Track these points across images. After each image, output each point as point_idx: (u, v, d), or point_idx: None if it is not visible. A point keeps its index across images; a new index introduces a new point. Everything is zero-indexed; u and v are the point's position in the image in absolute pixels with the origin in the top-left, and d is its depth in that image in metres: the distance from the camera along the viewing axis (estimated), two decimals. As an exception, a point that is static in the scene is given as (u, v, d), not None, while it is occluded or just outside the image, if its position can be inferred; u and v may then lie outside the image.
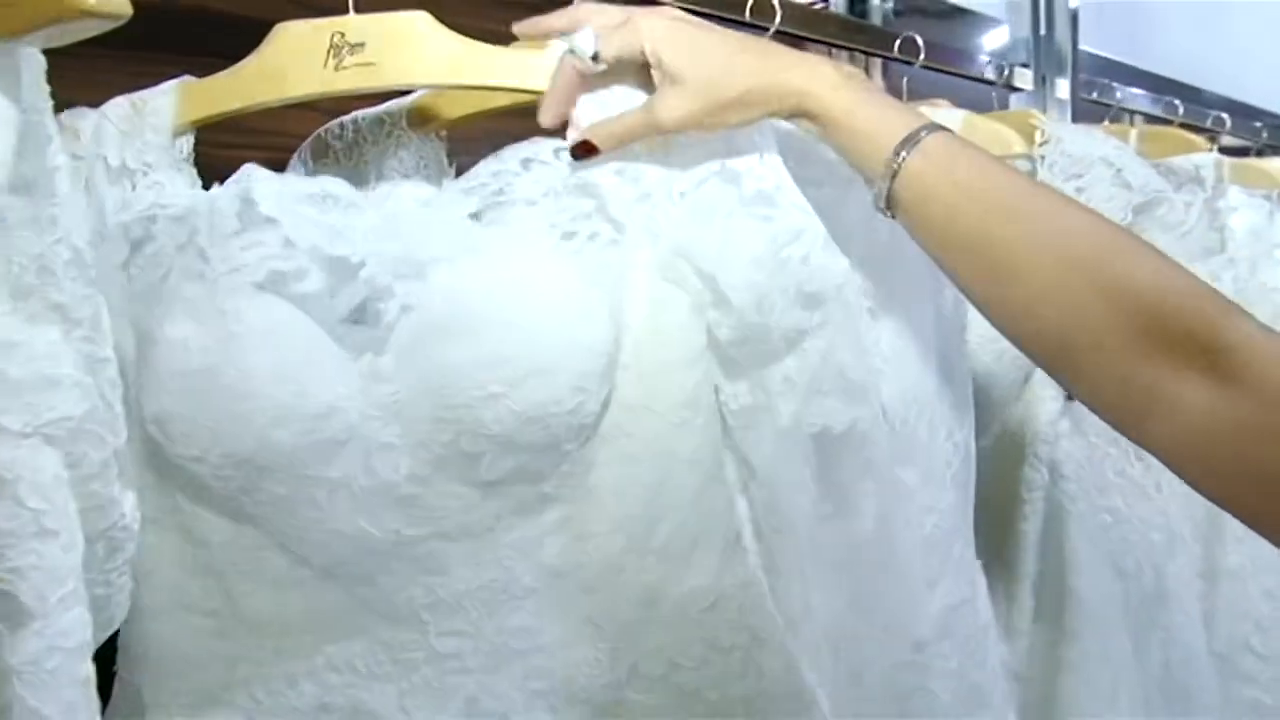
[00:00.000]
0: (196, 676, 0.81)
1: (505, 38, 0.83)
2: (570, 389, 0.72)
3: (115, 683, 0.84)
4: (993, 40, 1.67)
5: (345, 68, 0.80)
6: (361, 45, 0.80)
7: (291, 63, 0.81)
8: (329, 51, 0.80)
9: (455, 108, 0.99)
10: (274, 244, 0.74)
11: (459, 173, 0.92)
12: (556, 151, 0.77)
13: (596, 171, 0.77)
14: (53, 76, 1.00)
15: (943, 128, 0.77)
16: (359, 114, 1.01)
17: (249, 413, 0.71)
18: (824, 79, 0.78)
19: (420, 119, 1.00)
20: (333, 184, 0.77)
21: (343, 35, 0.80)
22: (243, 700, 0.80)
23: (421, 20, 0.80)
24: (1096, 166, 1.20)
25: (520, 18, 0.81)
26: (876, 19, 1.63)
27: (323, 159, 1.02)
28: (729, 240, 0.76)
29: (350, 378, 0.74)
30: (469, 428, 0.72)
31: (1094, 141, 1.23)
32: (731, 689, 0.79)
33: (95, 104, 0.84)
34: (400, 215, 0.77)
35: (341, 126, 1.02)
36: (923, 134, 0.76)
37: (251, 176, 0.76)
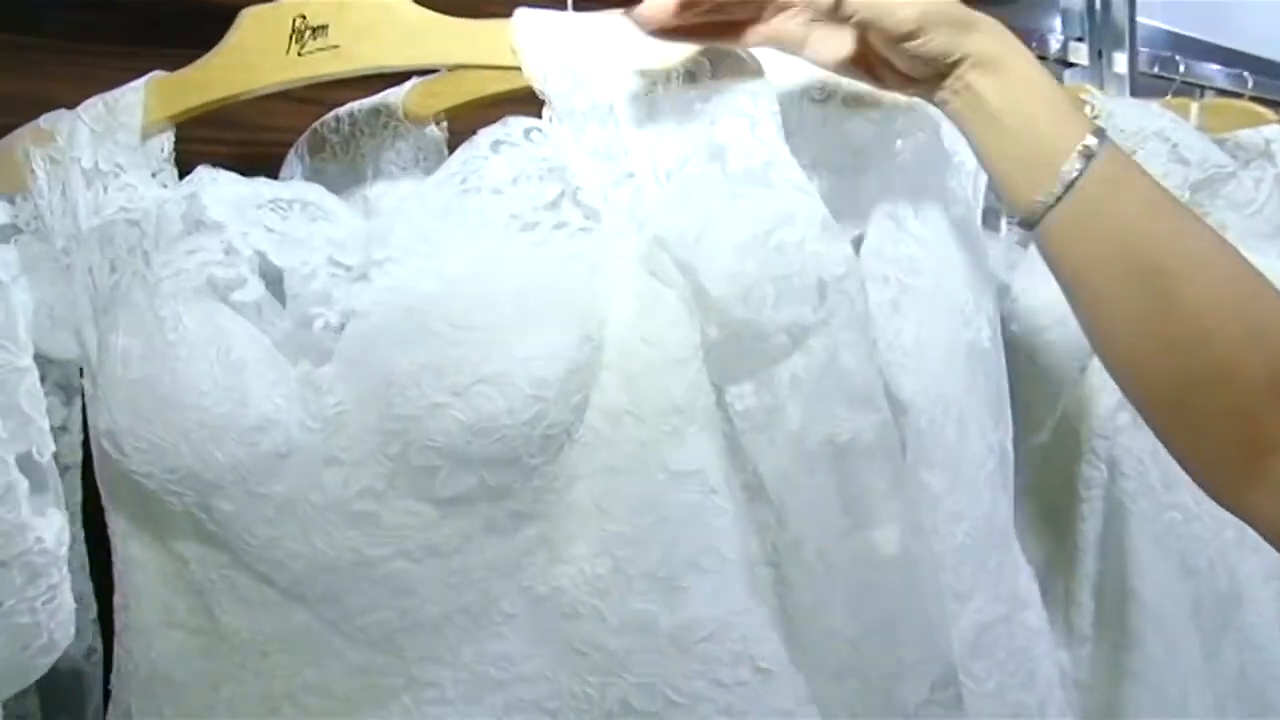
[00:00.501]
0: (182, 696, 0.75)
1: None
2: (525, 397, 0.63)
3: (110, 702, 0.79)
4: (1045, 14, 1.55)
5: (308, 53, 0.71)
6: (324, 28, 0.71)
7: (255, 50, 0.73)
8: (291, 36, 0.72)
9: (452, 95, 0.91)
10: (215, 249, 0.67)
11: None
12: (527, 132, 0.68)
13: (569, 153, 0.67)
14: (37, 74, 0.95)
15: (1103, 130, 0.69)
16: (355, 105, 0.94)
17: (186, 425, 0.65)
18: (1004, 28, 0.70)
19: (417, 109, 0.92)
20: (309, 190, 0.71)
21: (304, 18, 0.71)
22: None
23: (385, -5, 0.71)
24: (1150, 141, 1.09)
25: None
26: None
27: (320, 153, 0.94)
28: (710, 225, 0.66)
29: (288, 388, 0.66)
30: (415, 440, 0.64)
31: (1148, 115, 1.11)
32: (733, 728, 0.70)
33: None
34: (384, 218, 0.70)
35: (337, 119, 0.94)
36: (1096, 142, 0.67)
37: (202, 179, 0.70)
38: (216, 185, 0.69)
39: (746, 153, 0.67)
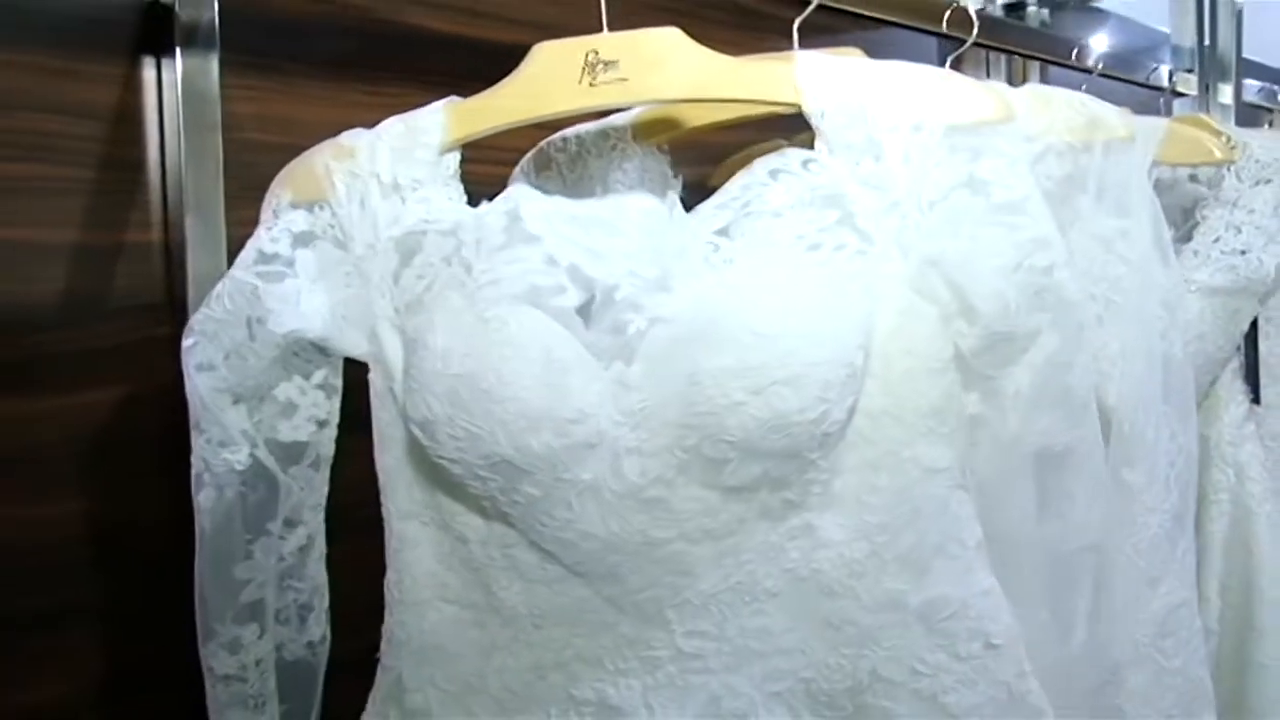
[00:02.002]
0: (454, 665, 0.79)
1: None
2: (813, 398, 0.68)
3: (378, 669, 0.83)
4: (1157, 49, 1.60)
5: (599, 84, 0.76)
6: (615, 63, 0.76)
7: (548, 81, 0.78)
8: (583, 69, 0.77)
9: (680, 121, 0.96)
10: (536, 260, 0.72)
11: (685, 185, 0.89)
12: (805, 163, 0.73)
13: (844, 182, 0.72)
14: (298, 97, 1.01)
15: None
16: (581, 128, 0.98)
17: (506, 416, 0.70)
18: None
19: (645, 132, 0.97)
20: (597, 206, 0.75)
21: (596, 53, 0.76)
22: (496, 689, 0.79)
23: (672, 36, 0.76)
24: (1287, 172, 1.14)
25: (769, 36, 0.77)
26: (1034, 24, 1.55)
27: (545, 171, 0.99)
28: (977, 250, 0.71)
29: (601, 385, 0.72)
30: (712, 434, 0.69)
31: (1280, 145, 1.16)
32: (965, 697, 0.74)
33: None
34: (655, 234, 0.74)
35: (564, 140, 0.99)
36: None
37: (518, 196, 0.75)
38: (531, 201, 0.74)
39: (1007, 186, 0.72)
